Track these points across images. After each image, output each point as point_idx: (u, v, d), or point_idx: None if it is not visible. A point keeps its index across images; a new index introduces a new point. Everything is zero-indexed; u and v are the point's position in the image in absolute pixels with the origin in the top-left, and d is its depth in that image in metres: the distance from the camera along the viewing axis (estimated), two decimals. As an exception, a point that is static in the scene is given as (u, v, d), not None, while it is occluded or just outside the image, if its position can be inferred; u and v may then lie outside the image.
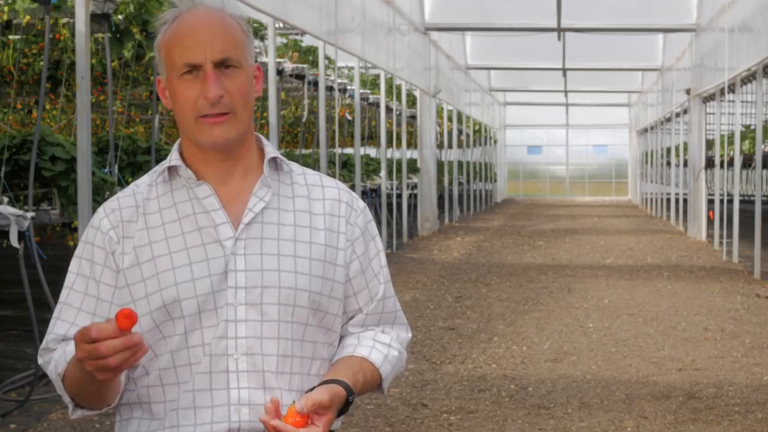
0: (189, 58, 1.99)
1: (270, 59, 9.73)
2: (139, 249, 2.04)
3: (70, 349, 2.00)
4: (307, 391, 2.02)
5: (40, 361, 2.10)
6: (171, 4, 7.83)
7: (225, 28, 2.03)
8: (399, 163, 17.99)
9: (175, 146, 2.11)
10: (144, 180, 2.14)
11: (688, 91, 18.89)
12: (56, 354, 2.04)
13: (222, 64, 2.00)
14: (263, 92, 11.74)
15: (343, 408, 2.03)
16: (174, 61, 2.01)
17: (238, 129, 2.03)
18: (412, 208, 19.88)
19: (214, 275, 2.03)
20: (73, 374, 1.98)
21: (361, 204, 2.19)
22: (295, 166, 2.18)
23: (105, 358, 1.80)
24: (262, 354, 2.04)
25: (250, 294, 2.04)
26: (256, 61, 2.17)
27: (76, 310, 2.06)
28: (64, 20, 8.17)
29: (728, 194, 15.55)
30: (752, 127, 18.08)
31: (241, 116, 2.03)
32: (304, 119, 13.33)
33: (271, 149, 2.13)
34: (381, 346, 2.17)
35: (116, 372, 1.84)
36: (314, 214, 2.12)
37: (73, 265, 2.10)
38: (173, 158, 2.09)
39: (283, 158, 2.14)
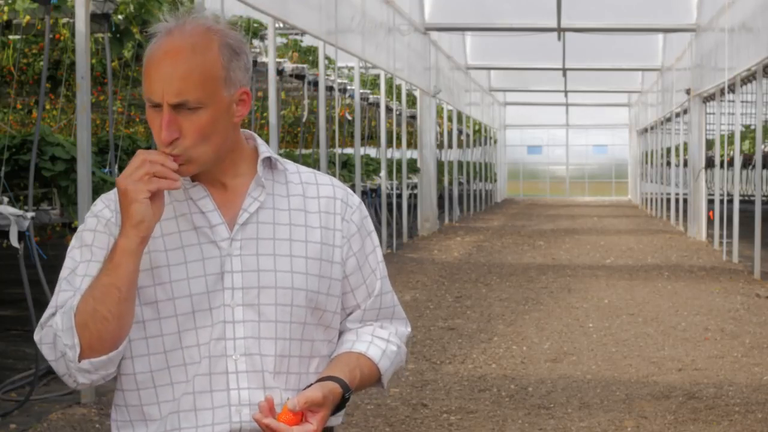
0: (150, 94, 1.99)
1: (270, 59, 9.73)
2: None
3: (83, 287, 1.99)
4: (305, 388, 2.02)
5: (37, 335, 2.04)
6: (171, 5, 7.85)
7: (191, 63, 1.97)
8: (399, 163, 17.99)
9: None
10: None
11: (688, 91, 18.89)
12: (62, 310, 2.00)
13: (179, 107, 1.97)
14: (263, 92, 11.79)
15: (340, 404, 2.03)
16: (143, 88, 2.01)
17: (194, 167, 2.01)
18: (412, 208, 19.88)
19: (209, 275, 2.03)
20: (90, 290, 1.95)
21: (356, 200, 2.19)
22: (290, 165, 2.17)
23: (151, 164, 1.93)
24: (260, 354, 2.04)
25: (246, 295, 2.04)
26: (254, 77, 2.12)
27: (77, 288, 2.03)
28: (64, 20, 8.17)
29: (728, 194, 15.55)
30: (752, 127, 18.07)
31: (197, 156, 2.00)
32: (304, 119, 13.33)
33: (264, 148, 2.12)
34: (379, 341, 2.17)
35: (152, 187, 1.92)
36: (309, 212, 2.12)
37: (74, 254, 2.07)
38: None
39: (278, 157, 2.14)
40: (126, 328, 1.99)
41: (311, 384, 2.03)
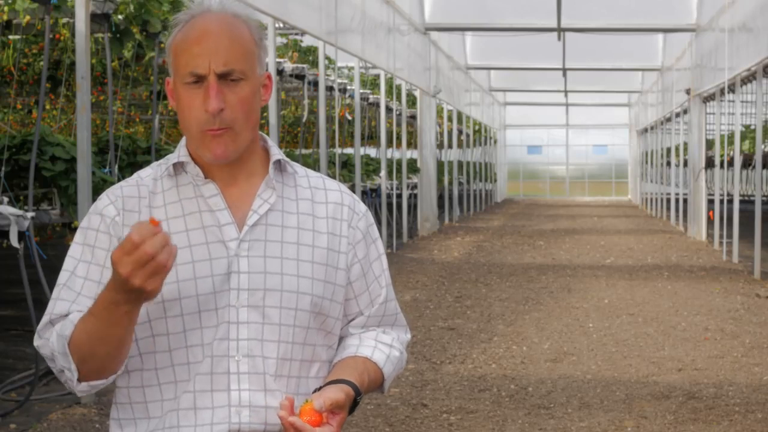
0: (194, 68, 1.99)
1: (270, 59, 9.73)
2: None
3: (74, 316, 1.98)
4: (314, 390, 2.03)
5: (37, 342, 2.04)
6: (171, 4, 7.85)
7: (233, 37, 2.01)
8: (399, 163, 18.00)
9: (183, 142, 2.11)
10: (148, 172, 2.12)
11: (688, 91, 18.89)
12: (57, 327, 2.00)
13: (225, 76, 1.99)
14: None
15: (351, 408, 2.04)
16: (180, 67, 2.01)
17: (237, 144, 2.02)
18: (412, 208, 19.88)
19: (216, 275, 2.03)
20: (85, 329, 1.92)
21: (363, 207, 2.20)
22: (299, 168, 2.18)
23: (153, 259, 1.78)
24: (262, 356, 2.04)
25: (252, 296, 2.04)
26: (267, 69, 2.14)
27: (76, 294, 2.03)
28: (64, 20, 8.18)
29: (728, 194, 15.55)
30: (752, 127, 18.08)
31: (240, 130, 2.01)
32: (304, 119, 13.34)
33: (276, 151, 2.12)
34: (383, 347, 2.18)
35: (165, 274, 1.81)
36: (317, 217, 2.13)
37: (75, 251, 2.07)
38: (181, 154, 2.08)
39: (288, 160, 2.14)
40: (125, 358, 2.00)
41: (320, 387, 2.04)
